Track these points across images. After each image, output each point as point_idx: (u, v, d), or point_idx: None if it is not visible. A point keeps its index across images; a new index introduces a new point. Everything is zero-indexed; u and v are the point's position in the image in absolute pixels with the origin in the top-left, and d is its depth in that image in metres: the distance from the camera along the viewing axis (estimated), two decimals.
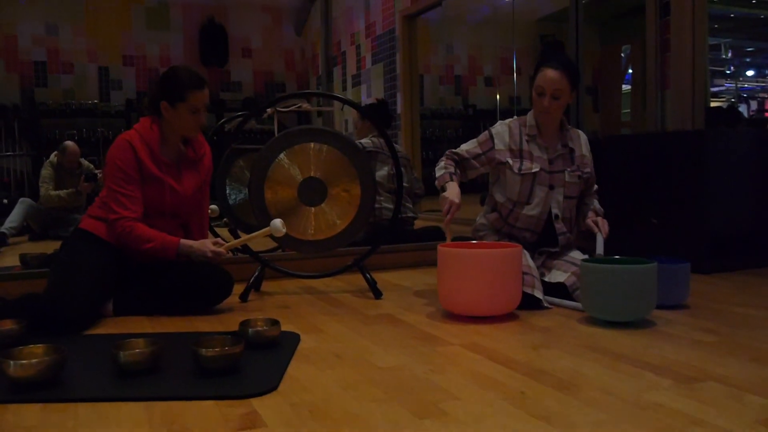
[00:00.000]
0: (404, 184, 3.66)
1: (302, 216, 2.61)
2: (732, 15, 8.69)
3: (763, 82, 11.10)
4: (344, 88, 7.85)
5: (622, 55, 7.90)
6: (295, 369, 1.70)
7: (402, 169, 3.70)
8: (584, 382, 1.54)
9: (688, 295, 2.34)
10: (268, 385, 1.54)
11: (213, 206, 3.04)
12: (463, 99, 8.70)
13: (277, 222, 2.39)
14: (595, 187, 2.65)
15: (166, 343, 1.76)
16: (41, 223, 5.33)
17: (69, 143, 5.43)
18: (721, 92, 9.29)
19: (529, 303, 2.32)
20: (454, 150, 2.61)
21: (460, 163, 2.59)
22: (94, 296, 2.21)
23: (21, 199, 5.45)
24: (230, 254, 3.06)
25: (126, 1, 8.75)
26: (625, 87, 7.81)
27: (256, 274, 2.66)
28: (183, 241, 2.33)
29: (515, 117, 2.62)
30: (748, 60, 10.65)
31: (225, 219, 3.53)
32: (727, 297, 2.51)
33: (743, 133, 3.65)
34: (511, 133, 2.56)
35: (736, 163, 3.11)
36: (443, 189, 2.44)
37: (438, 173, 2.52)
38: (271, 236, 2.46)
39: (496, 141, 2.56)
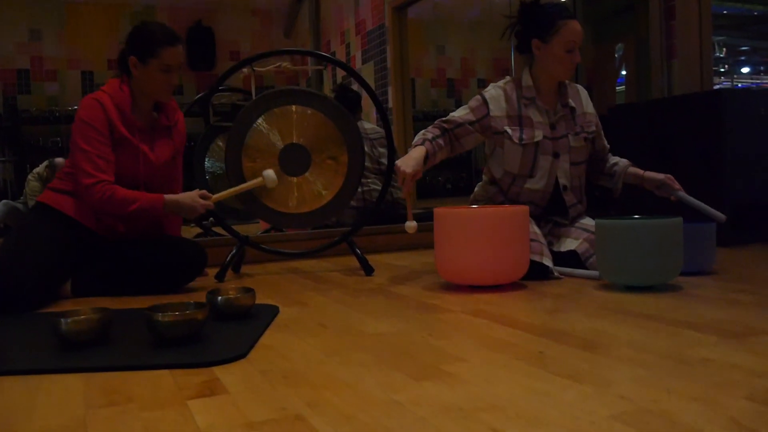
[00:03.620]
0: (385, 162, 3.42)
1: (283, 186, 2.36)
2: (725, 12, 8.52)
3: (758, 78, 10.96)
4: (334, 90, 7.64)
5: (616, 55, 7.73)
6: (270, 338, 1.45)
7: (371, 148, 3.47)
8: (612, 342, 1.29)
9: (714, 261, 2.10)
10: (235, 352, 1.29)
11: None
12: (456, 101, 8.51)
13: (270, 172, 2.22)
14: (607, 146, 2.42)
15: (121, 316, 1.51)
16: None
17: (60, 161, 5.28)
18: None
19: (537, 273, 2.07)
20: (444, 118, 2.27)
21: (451, 131, 2.24)
22: (46, 272, 1.95)
23: (3, 201, 5.26)
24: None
25: (111, 6, 8.54)
26: (619, 88, 7.64)
27: (234, 252, 2.40)
28: (167, 195, 2.10)
29: (508, 78, 2.33)
30: (742, 59, 10.52)
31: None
32: (755, 265, 2.27)
33: (764, 93, 3.40)
34: (508, 97, 2.26)
35: (757, 126, 2.86)
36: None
37: (415, 138, 2.21)
38: (262, 191, 2.24)
39: (491, 106, 2.25)
